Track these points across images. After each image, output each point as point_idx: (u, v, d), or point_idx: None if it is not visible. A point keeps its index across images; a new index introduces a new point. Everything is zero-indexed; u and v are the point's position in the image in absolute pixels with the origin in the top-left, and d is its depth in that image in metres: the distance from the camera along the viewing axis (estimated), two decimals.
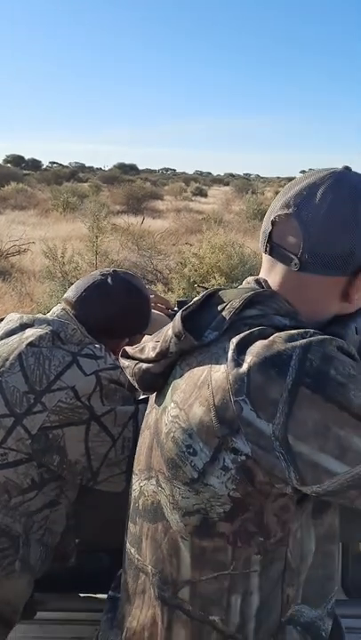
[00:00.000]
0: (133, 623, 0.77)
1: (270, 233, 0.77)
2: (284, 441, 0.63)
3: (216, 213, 14.61)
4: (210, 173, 73.01)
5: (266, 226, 0.79)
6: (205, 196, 29.22)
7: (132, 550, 0.80)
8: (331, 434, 0.62)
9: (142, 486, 0.79)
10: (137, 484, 0.81)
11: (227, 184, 40.39)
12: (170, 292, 6.32)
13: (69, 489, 1.08)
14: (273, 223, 0.77)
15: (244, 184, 30.51)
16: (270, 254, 0.78)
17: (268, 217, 0.78)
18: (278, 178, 61.96)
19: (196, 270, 6.97)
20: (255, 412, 0.64)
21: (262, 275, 0.80)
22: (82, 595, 1.31)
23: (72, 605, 1.28)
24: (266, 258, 0.80)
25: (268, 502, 0.66)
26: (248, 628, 0.70)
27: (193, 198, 25.82)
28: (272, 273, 0.78)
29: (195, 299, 0.78)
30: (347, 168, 0.78)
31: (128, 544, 0.81)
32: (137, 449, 0.84)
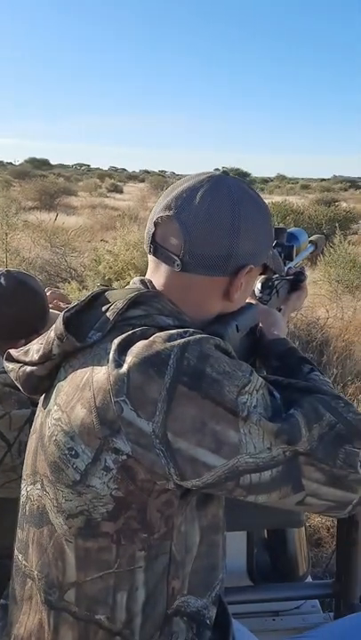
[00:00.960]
0: (21, 630, 0.76)
1: (153, 234, 0.79)
2: (164, 438, 0.64)
3: (132, 210, 14.56)
4: (125, 170, 72.56)
5: (149, 227, 0.80)
6: (121, 192, 29.03)
7: (20, 557, 0.79)
8: (208, 429, 0.64)
9: (29, 491, 0.78)
10: (25, 489, 0.80)
11: (142, 180, 40.36)
12: (84, 290, 6.22)
13: None
14: (155, 225, 0.79)
15: (160, 181, 30.62)
16: (154, 255, 0.80)
17: (151, 218, 0.80)
18: None
19: (110, 267, 6.92)
20: (135, 411, 0.65)
21: (148, 275, 0.82)
22: None
23: None
24: (151, 258, 0.81)
25: (151, 499, 0.68)
26: (134, 623, 0.71)
27: (108, 194, 25.54)
28: (157, 274, 0.80)
29: (81, 299, 0.78)
30: (224, 172, 0.81)
31: (16, 550, 0.80)
32: (25, 453, 0.83)
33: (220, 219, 0.75)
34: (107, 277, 6.68)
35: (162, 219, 0.77)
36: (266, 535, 1.55)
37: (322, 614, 1.51)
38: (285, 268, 1.08)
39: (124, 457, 0.66)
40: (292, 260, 1.10)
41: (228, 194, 0.77)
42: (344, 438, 0.69)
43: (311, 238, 1.30)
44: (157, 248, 0.79)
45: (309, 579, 1.56)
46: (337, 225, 8.71)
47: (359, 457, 0.70)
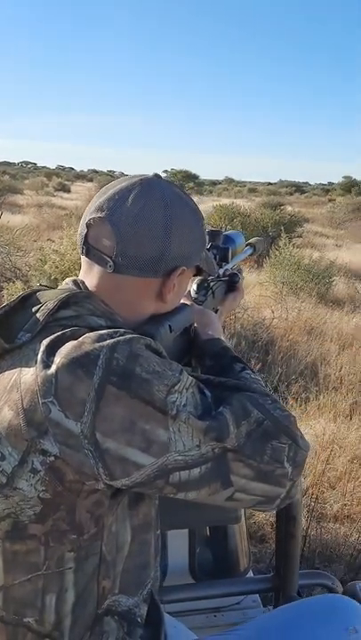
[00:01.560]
0: None
1: (86, 235, 0.79)
2: (93, 438, 0.64)
3: (79, 209, 14.37)
4: (72, 169, 71.54)
5: (82, 228, 0.80)
6: (68, 191, 28.61)
7: None
8: (137, 428, 0.65)
9: None
10: None
11: (90, 180, 39.92)
12: None
13: None
14: (88, 226, 0.79)
15: (108, 180, 30.23)
16: (87, 256, 0.79)
17: (84, 220, 0.80)
18: None
19: (57, 267, 6.80)
20: (63, 412, 0.65)
21: (81, 276, 0.81)
22: None
23: None
24: (84, 259, 0.81)
25: (80, 500, 0.68)
26: (64, 624, 0.71)
27: (55, 194, 25.12)
28: (89, 274, 0.80)
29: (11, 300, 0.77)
30: (157, 175, 0.81)
31: None
32: None
33: (152, 221, 0.76)
34: (53, 277, 6.56)
35: (94, 220, 0.77)
36: (208, 532, 1.57)
37: (262, 608, 1.55)
38: (222, 270, 1.11)
39: (52, 458, 0.66)
40: (227, 261, 1.13)
41: (161, 197, 0.78)
42: (271, 434, 0.72)
43: (250, 241, 1.32)
44: (90, 249, 0.78)
45: (251, 574, 1.59)
46: (282, 228, 8.92)
47: (285, 452, 0.72)
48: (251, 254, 1.33)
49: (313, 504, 2.64)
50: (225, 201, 16.20)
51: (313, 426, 3.43)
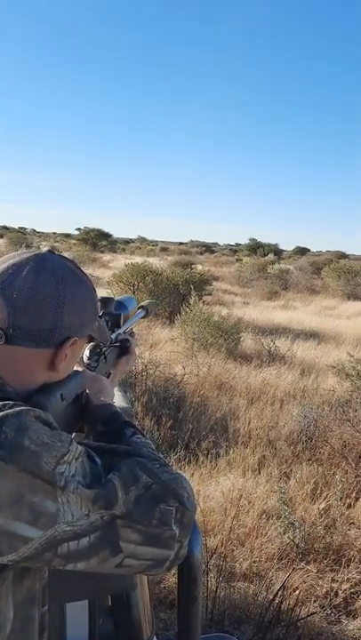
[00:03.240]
0: None
1: None
2: None
3: None
4: None
5: None
6: None
7: None
8: (25, 501, 0.65)
9: None
10: None
11: (1, 236, 39.21)
12: None
13: None
14: None
15: (19, 237, 30.03)
16: None
17: None
18: (55, 233, 62.86)
19: None
20: None
21: None
22: None
23: None
24: None
25: None
26: None
27: None
28: None
29: None
30: (50, 251, 0.86)
31: None
32: None
33: (45, 295, 0.79)
34: None
35: None
36: (110, 602, 1.52)
37: None
38: (114, 335, 1.15)
39: None
40: (119, 326, 1.18)
41: (53, 272, 0.81)
42: (159, 498, 0.74)
43: (142, 304, 1.39)
44: None
45: None
46: (193, 286, 9.24)
47: (173, 514, 0.75)
48: (143, 316, 1.40)
49: (222, 564, 2.63)
50: (138, 259, 16.59)
51: (222, 482, 3.48)
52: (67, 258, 0.87)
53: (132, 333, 1.23)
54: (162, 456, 0.83)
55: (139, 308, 1.36)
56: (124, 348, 1.15)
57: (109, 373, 1.10)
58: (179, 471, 0.89)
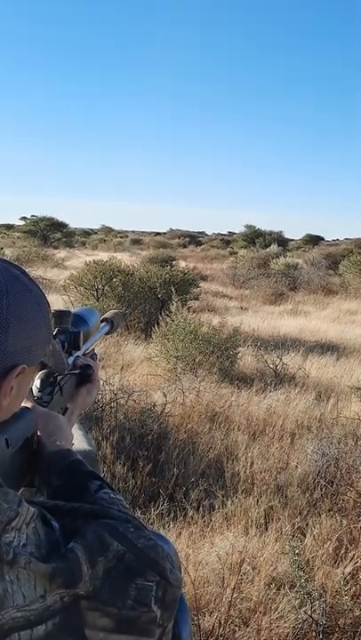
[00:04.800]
0: None
1: None
2: None
3: None
4: None
5: None
6: None
7: None
8: None
9: None
10: None
11: None
12: None
13: None
14: None
15: None
16: None
17: None
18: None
19: None
20: None
21: None
22: None
23: None
24: None
25: None
26: None
27: None
28: None
29: None
30: None
31: None
32: None
33: None
34: None
35: None
36: None
37: None
38: (72, 359, 1.15)
39: None
40: (78, 348, 1.18)
41: None
42: (134, 571, 0.75)
43: (105, 316, 1.40)
44: None
45: None
46: (174, 288, 9.22)
47: (152, 592, 0.75)
48: (108, 332, 1.40)
49: None
50: (102, 255, 16.59)
51: (218, 543, 3.47)
52: (11, 263, 0.87)
53: (93, 355, 1.23)
54: (138, 514, 0.83)
55: (102, 321, 1.36)
56: (84, 376, 1.15)
57: (66, 409, 1.10)
58: (161, 531, 0.89)
